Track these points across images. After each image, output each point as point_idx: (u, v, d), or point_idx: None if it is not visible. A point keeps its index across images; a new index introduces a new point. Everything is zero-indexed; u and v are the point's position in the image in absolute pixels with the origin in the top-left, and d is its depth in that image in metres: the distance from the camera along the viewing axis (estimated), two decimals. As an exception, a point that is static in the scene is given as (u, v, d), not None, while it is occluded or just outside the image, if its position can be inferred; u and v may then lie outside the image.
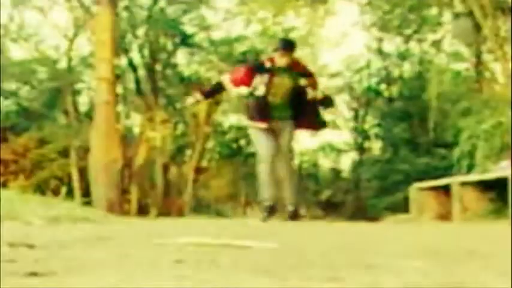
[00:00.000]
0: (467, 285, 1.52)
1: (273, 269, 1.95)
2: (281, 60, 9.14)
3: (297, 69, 9.34)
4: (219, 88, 9.79)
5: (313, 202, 33.28)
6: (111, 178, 20.25)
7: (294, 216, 9.22)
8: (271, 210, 9.25)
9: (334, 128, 33.03)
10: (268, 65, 9.17)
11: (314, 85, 9.62)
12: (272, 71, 9.12)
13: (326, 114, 10.36)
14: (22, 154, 28.06)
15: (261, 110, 9.15)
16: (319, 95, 9.68)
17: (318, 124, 9.81)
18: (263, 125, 9.15)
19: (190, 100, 10.10)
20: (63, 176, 27.58)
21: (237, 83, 9.22)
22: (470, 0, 13.44)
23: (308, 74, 9.56)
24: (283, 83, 9.18)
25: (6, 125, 28.64)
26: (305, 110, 9.38)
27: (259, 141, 9.31)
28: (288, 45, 9.37)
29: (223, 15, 29.74)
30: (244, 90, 9.38)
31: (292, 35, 26.82)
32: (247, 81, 9.16)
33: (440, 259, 2.29)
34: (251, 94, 9.17)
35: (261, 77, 9.08)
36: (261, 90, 9.06)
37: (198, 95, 9.66)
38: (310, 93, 9.49)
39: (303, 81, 9.38)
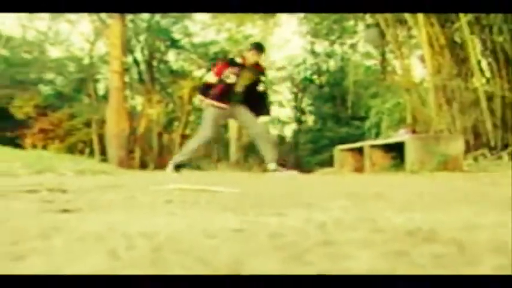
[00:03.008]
0: (376, 218, 1.53)
1: (236, 207, 1.94)
2: (252, 58, 8.92)
3: (258, 68, 9.14)
4: (208, 84, 9.32)
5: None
6: (121, 142, 20.20)
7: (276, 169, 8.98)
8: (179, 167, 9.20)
9: (280, 106, 33.21)
10: (239, 61, 8.96)
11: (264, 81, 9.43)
12: (242, 66, 8.94)
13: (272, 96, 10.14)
14: (57, 125, 28.02)
15: (226, 94, 8.93)
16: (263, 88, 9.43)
17: (262, 111, 9.45)
18: (224, 106, 8.98)
19: (198, 100, 9.59)
20: (87, 141, 27.62)
21: (218, 74, 8.95)
22: (377, 14, 13.45)
23: (263, 73, 9.36)
24: (248, 77, 8.99)
25: (46, 104, 28.60)
26: (255, 98, 9.16)
27: (208, 121, 8.97)
28: (260, 48, 9.18)
29: (201, 26, 29.90)
30: (213, 77, 9.04)
31: (250, 40, 26.96)
32: (221, 71, 8.94)
33: (357, 200, 2.29)
34: (221, 80, 8.94)
35: (232, 68, 8.88)
36: (232, 79, 8.88)
37: (200, 96, 9.23)
38: (261, 86, 9.32)
39: (262, 78, 9.21)
